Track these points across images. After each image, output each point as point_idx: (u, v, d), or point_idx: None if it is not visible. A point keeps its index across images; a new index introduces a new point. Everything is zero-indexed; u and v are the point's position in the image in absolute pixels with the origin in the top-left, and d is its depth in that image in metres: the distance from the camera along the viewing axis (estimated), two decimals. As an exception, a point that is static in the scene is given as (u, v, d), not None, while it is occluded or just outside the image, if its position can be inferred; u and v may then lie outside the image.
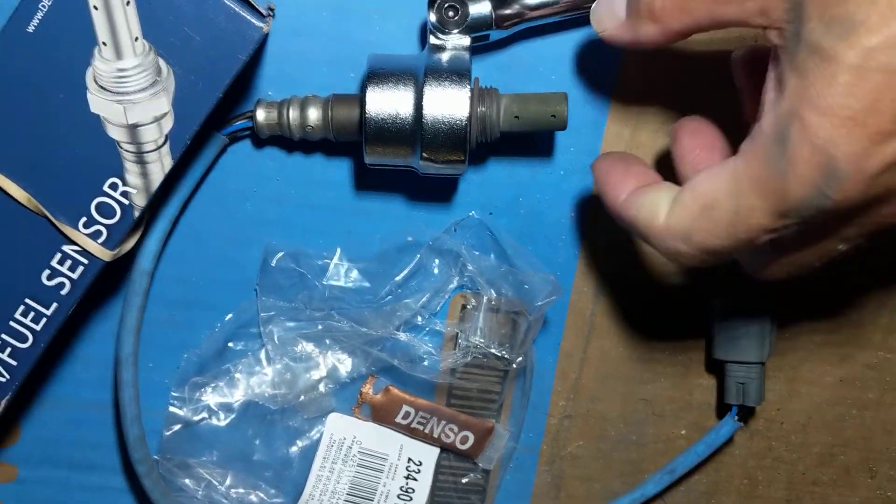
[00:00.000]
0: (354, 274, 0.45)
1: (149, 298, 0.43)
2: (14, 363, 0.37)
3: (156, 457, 0.44)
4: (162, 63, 0.34)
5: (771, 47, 0.30)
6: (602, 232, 0.46)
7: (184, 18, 0.34)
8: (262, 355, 0.45)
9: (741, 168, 0.30)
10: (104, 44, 0.34)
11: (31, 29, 0.33)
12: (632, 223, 0.35)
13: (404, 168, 0.41)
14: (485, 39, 0.41)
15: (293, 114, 0.40)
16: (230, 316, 0.45)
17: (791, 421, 0.49)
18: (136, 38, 0.34)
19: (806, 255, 0.33)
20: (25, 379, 0.37)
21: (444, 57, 0.39)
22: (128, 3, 0.33)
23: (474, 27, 0.40)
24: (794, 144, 0.28)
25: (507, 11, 0.40)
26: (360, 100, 0.40)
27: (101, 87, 0.34)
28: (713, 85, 0.41)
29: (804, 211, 0.29)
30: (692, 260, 0.33)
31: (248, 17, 0.34)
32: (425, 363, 0.45)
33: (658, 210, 0.33)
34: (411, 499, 0.47)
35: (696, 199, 0.32)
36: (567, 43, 0.43)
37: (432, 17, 0.39)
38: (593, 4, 0.36)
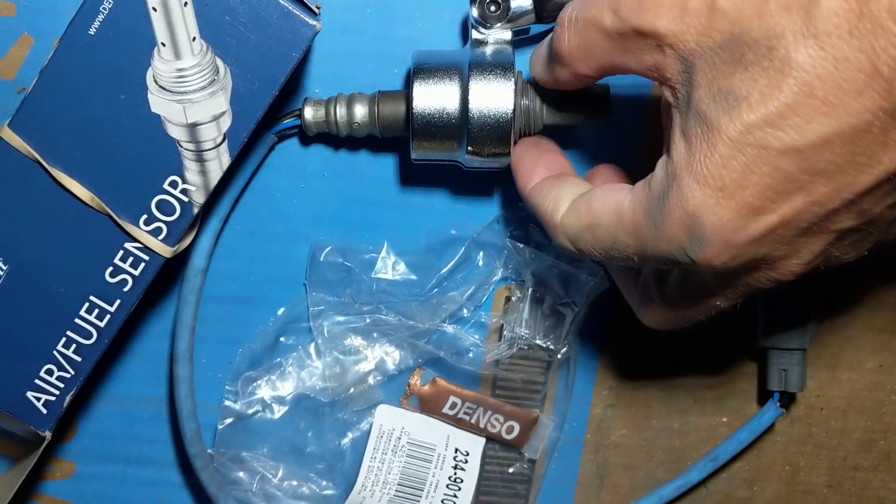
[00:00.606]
0: (401, 267, 0.45)
1: (202, 295, 0.43)
2: (79, 359, 0.37)
3: (210, 450, 0.45)
4: (219, 62, 0.34)
5: (665, 103, 0.31)
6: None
7: (239, 18, 0.34)
8: (313, 349, 0.46)
9: (627, 208, 0.32)
10: (163, 44, 0.34)
11: (92, 31, 0.34)
12: (536, 210, 0.38)
13: (449, 162, 0.41)
14: (526, 33, 0.41)
15: (340, 111, 0.41)
16: (281, 311, 0.46)
17: (831, 407, 0.50)
18: (194, 39, 0.34)
19: (684, 304, 0.35)
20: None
21: (488, 51, 0.39)
22: (185, 4, 0.34)
23: (516, 21, 0.40)
24: (670, 205, 0.30)
25: (548, 5, 0.40)
26: (406, 95, 0.40)
27: (161, 88, 0.35)
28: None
29: (667, 264, 0.31)
30: (578, 256, 0.36)
31: (302, 16, 0.34)
32: (471, 355, 0.46)
33: (559, 207, 0.36)
34: (460, 489, 0.47)
35: (588, 213, 0.34)
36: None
37: (474, 12, 0.39)
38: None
